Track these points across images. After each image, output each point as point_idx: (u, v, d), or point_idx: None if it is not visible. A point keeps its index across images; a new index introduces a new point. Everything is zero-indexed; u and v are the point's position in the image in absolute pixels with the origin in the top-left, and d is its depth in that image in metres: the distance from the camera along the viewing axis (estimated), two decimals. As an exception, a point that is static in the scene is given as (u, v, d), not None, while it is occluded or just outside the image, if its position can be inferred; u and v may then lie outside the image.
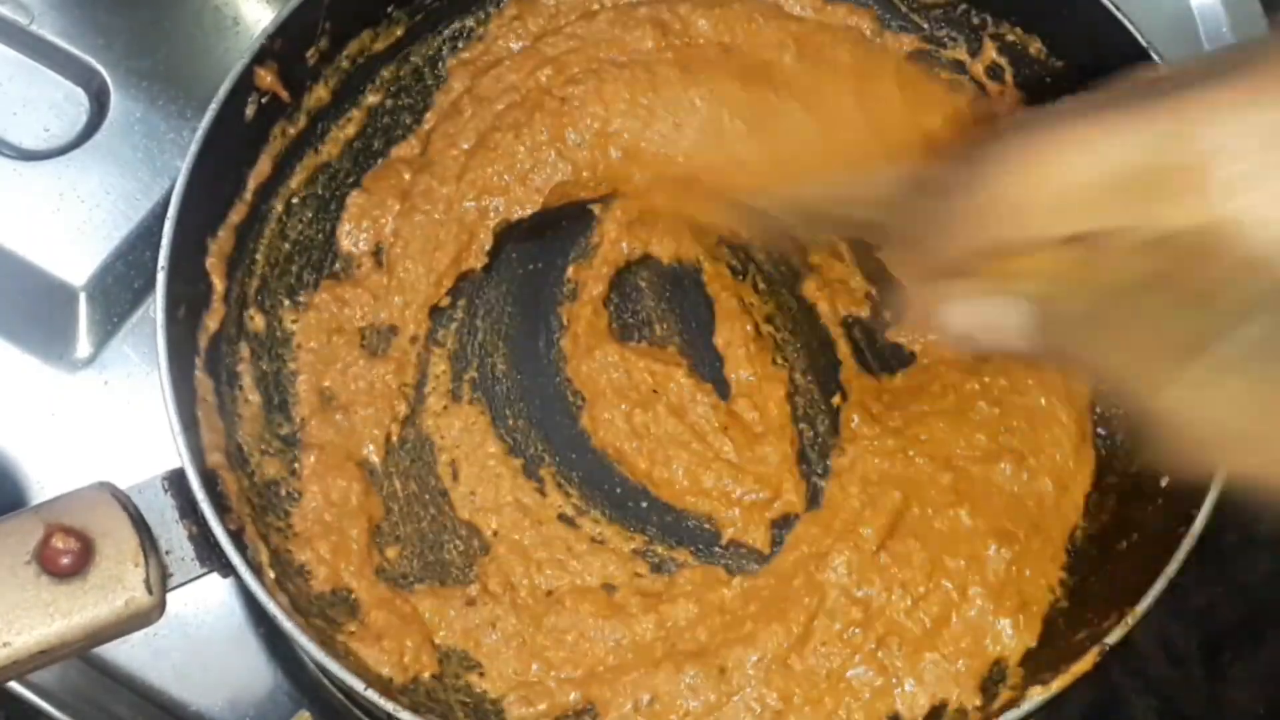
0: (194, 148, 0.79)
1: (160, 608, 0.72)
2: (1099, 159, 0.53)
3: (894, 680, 0.81)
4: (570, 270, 0.91)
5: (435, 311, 0.89)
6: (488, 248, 0.90)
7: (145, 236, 0.97)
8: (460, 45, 0.94)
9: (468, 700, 0.81)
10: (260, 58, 0.83)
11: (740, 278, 0.92)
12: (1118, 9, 0.86)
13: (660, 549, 0.86)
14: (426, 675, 0.80)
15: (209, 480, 0.75)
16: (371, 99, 0.92)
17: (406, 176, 0.91)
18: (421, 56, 0.94)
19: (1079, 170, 0.53)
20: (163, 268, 0.77)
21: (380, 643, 0.79)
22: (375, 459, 0.86)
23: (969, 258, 0.59)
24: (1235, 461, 0.55)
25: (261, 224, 0.87)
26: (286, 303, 0.87)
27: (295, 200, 0.89)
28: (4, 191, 0.98)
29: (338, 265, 0.90)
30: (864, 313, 0.91)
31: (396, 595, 0.82)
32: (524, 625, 0.82)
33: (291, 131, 0.88)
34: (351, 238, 0.89)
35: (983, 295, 0.60)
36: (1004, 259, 0.57)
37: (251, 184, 0.86)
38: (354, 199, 0.90)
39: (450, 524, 0.86)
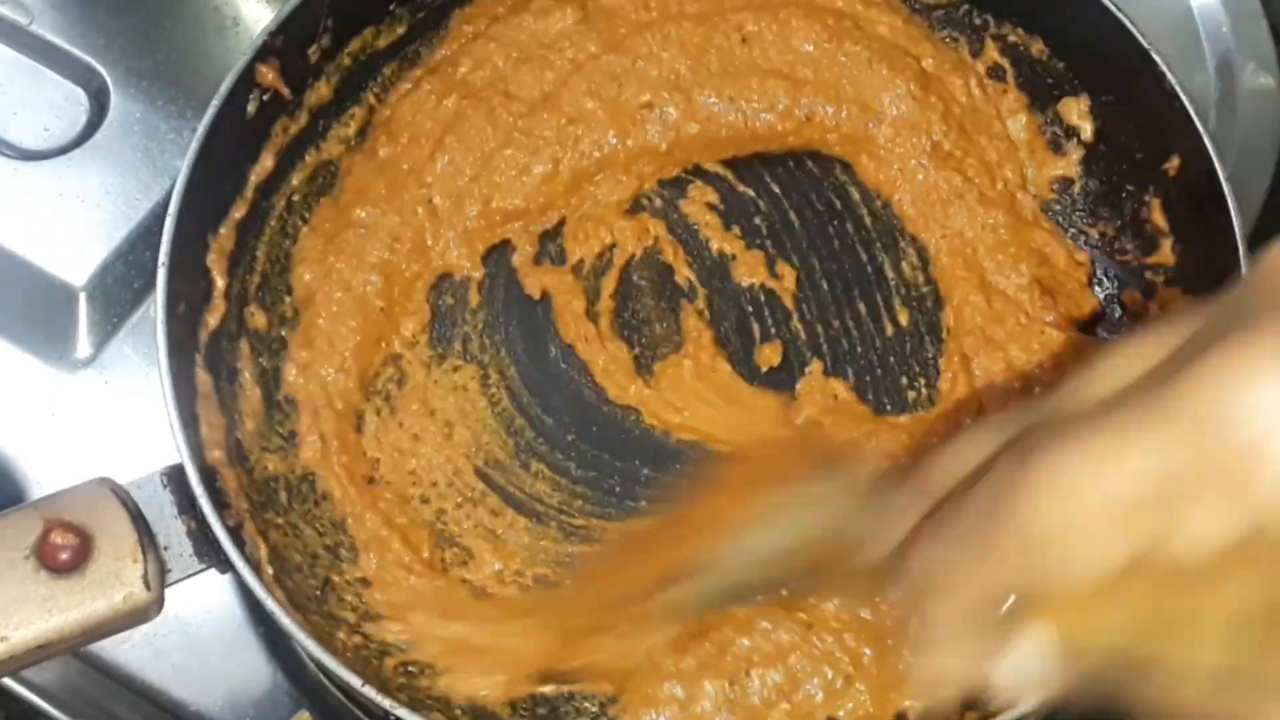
0: (195, 143, 0.79)
1: (159, 604, 0.72)
2: (1131, 467, 0.47)
3: None
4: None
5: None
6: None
7: (145, 236, 0.98)
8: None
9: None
10: (262, 54, 0.83)
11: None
12: (1119, 10, 0.86)
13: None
14: None
15: (208, 476, 0.75)
16: (373, 96, 0.92)
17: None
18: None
19: (1114, 483, 0.47)
20: (163, 264, 0.77)
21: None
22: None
23: (995, 605, 0.52)
24: None
25: (263, 221, 0.87)
26: (287, 299, 0.87)
27: (297, 198, 0.89)
28: (4, 191, 0.98)
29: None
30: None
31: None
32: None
33: (293, 129, 0.88)
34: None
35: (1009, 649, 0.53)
36: (1053, 601, 0.51)
37: (253, 181, 0.86)
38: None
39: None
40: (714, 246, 0.92)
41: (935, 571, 0.54)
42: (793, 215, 0.93)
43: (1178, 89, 0.84)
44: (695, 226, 0.92)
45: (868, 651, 0.81)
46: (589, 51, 0.92)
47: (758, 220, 0.93)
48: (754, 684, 0.81)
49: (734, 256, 0.92)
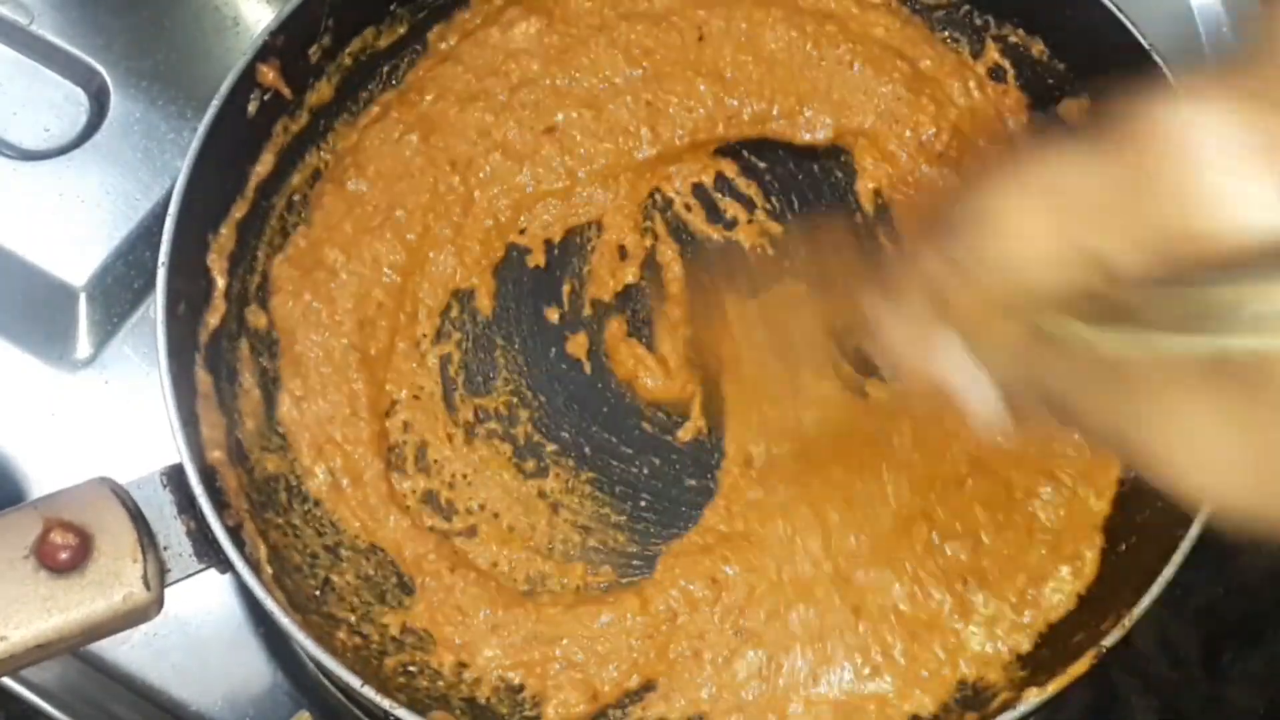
0: (196, 143, 0.79)
1: (158, 603, 0.72)
2: (1067, 177, 0.50)
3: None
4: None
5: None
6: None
7: (145, 236, 0.97)
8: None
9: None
10: (263, 54, 0.83)
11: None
12: (1119, 10, 0.86)
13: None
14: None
15: (208, 476, 0.75)
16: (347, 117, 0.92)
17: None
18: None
19: (1047, 191, 0.51)
20: (163, 264, 0.77)
21: None
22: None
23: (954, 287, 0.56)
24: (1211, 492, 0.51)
25: (263, 221, 0.87)
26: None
27: (297, 197, 0.89)
28: (4, 191, 0.98)
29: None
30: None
31: None
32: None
33: (294, 128, 0.88)
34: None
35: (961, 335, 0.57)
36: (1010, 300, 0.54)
37: (253, 180, 0.86)
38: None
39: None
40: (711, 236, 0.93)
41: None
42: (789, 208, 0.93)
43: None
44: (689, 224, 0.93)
45: (899, 645, 0.82)
46: (552, 75, 0.93)
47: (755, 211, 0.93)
48: (792, 662, 0.82)
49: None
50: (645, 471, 0.87)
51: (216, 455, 0.79)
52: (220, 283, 0.83)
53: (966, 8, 0.95)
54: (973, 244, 0.53)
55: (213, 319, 0.83)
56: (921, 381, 0.59)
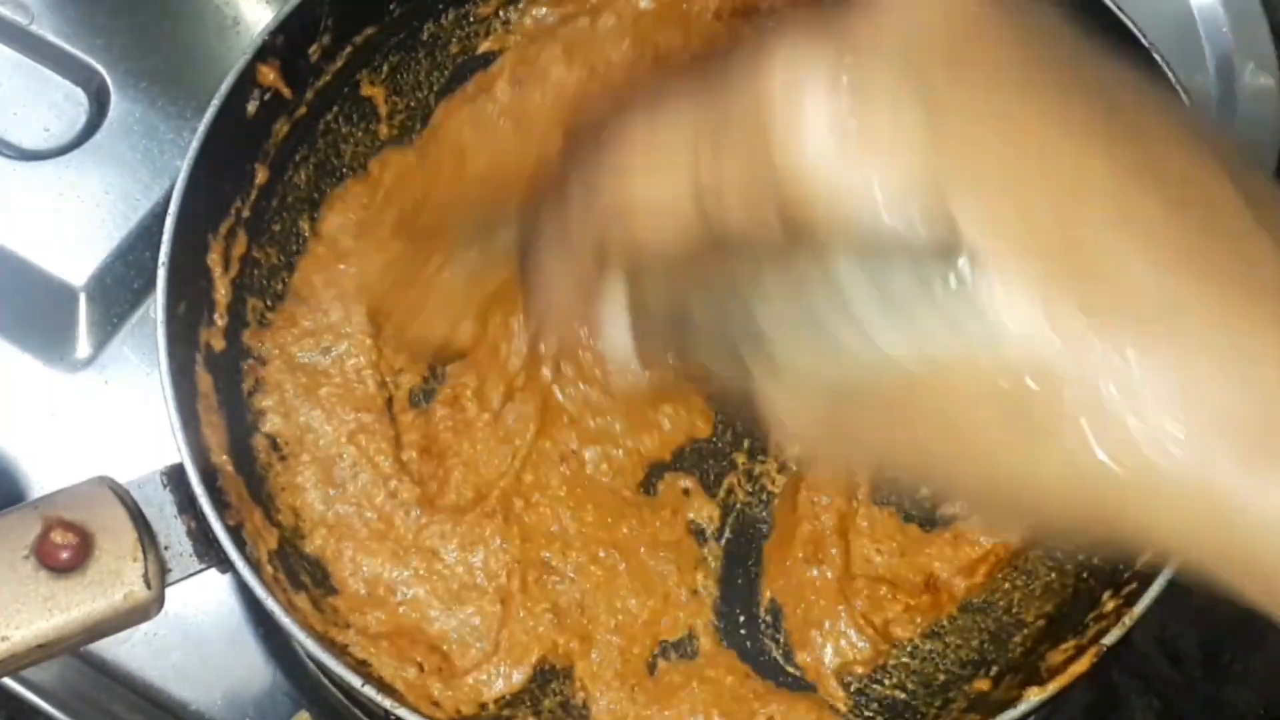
0: (196, 143, 0.79)
1: (159, 603, 0.72)
2: (680, 117, 0.52)
3: None
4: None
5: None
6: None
7: (145, 236, 0.97)
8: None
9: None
10: (263, 54, 0.83)
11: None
12: (1119, 9, 0.86)
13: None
14: None
15: (208, 475, 0.75)
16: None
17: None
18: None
19: (664, 129, 0.53)
20: (163, 264, 0.77)
21: None
22: None
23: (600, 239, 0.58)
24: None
25: (263, 221, 0.87)
26: (287, 300, 0.88)
27: (297, 197, 0.89)
28: (4, 191, 0.98)
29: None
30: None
31: None
32: None
33: (294, 128, 0.88)
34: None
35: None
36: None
37: (254, 180, 0.86)
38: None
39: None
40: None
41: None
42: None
43: (1179, 88, 0.84)
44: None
45: None
46: None
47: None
48: None
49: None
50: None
51: (217, 455, 0.79)
52: (220, 283, 0.83)
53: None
54: (601, 179, 0.55)
55: (213, 319, 0.83)
56: (565, 316, 0.62)
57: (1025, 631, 0.84)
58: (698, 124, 0.51)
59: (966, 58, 0.47)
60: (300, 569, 0.81)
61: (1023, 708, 0.74)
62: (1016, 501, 0.49)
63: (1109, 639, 0.74)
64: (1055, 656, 0.78)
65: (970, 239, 0.45)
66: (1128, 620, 0.74)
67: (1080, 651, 0.75)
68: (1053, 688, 0.74)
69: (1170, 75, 0.84)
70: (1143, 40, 0.85)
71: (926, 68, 0.46)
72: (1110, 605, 0.78)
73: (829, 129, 0.46)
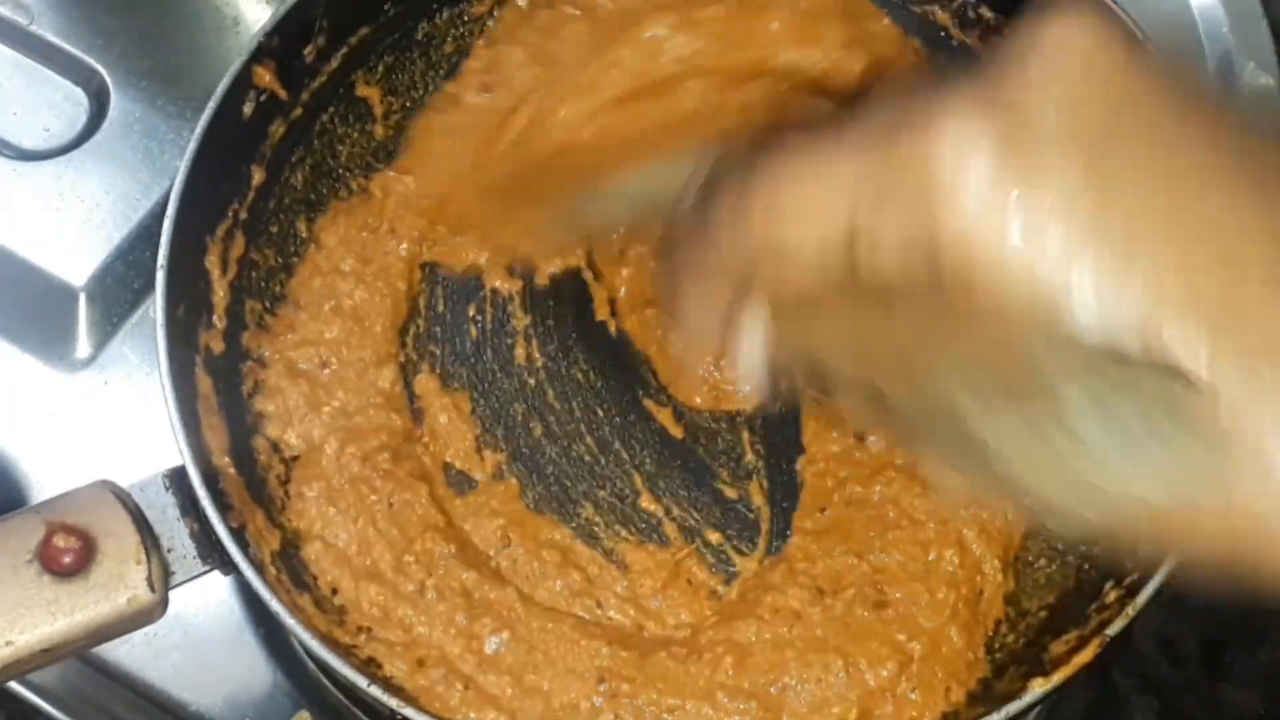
0: (192, 145, 0.79)
1: (162, 605, 0.72)
2: (837, 174, 0.52)
3: None
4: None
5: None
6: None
7: (145, 236, 0.97)
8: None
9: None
10: (258, 55, 0.83)
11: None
12: (1119, 9, 0.86)
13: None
14: None
15: (210, 478, 0.75)
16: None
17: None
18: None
19: (819, 186, 0.53)
20: (162, 265, 0.77)
21: None
22: None
23: (743, 265, 0.58)
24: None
25: (262, 222, 0.87)
26: (286, 302, 0.88)
27: (293, 198, 0.89)
28: (4, 191, 0.98)
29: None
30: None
31: None
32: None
33: (290, 128, 0.88)
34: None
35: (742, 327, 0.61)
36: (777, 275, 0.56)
37: (251, 181, 0.86)
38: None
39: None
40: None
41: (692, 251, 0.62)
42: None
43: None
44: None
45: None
46: None
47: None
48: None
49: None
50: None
51: (218, 457, 0.79)
52: (220, 283, 0.83)
53: (961, 1, 0.95)
54: (753, 215, 0.55)
55: (212, 320, 0.83)
56: (707, 338, 0.62)
57: (1027, 622, 0.84)
58: (858, 171, 0.51)
59: (1125, 123, 0.48)
60: (302, 569, 0.81)
61: (1027, 699, 0.74)
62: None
63: (1112, 629, 0.74)
64: (1058, 647, 0.78)
65: (1187, 364, 0.45)
66: (1130, 610, 0.74)
67: (1083, 642, 0.75)
68: (1057, 678, 0.74)
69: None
70: (1143, 40, 0.85)
71: (1090, 140, 0.47)
72: (1113, 596, 0.78)
73: (999, 202, 0.47)
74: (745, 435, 0.88)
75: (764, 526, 0.86)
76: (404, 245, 0.88)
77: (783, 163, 0.54)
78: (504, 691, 0.80)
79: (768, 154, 0.55)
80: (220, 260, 0.84)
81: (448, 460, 0.87)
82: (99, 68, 1.01)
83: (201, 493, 0.73)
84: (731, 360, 0.62)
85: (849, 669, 0.81)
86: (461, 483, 0.86)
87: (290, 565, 0.80)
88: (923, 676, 0.81)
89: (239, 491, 0.79)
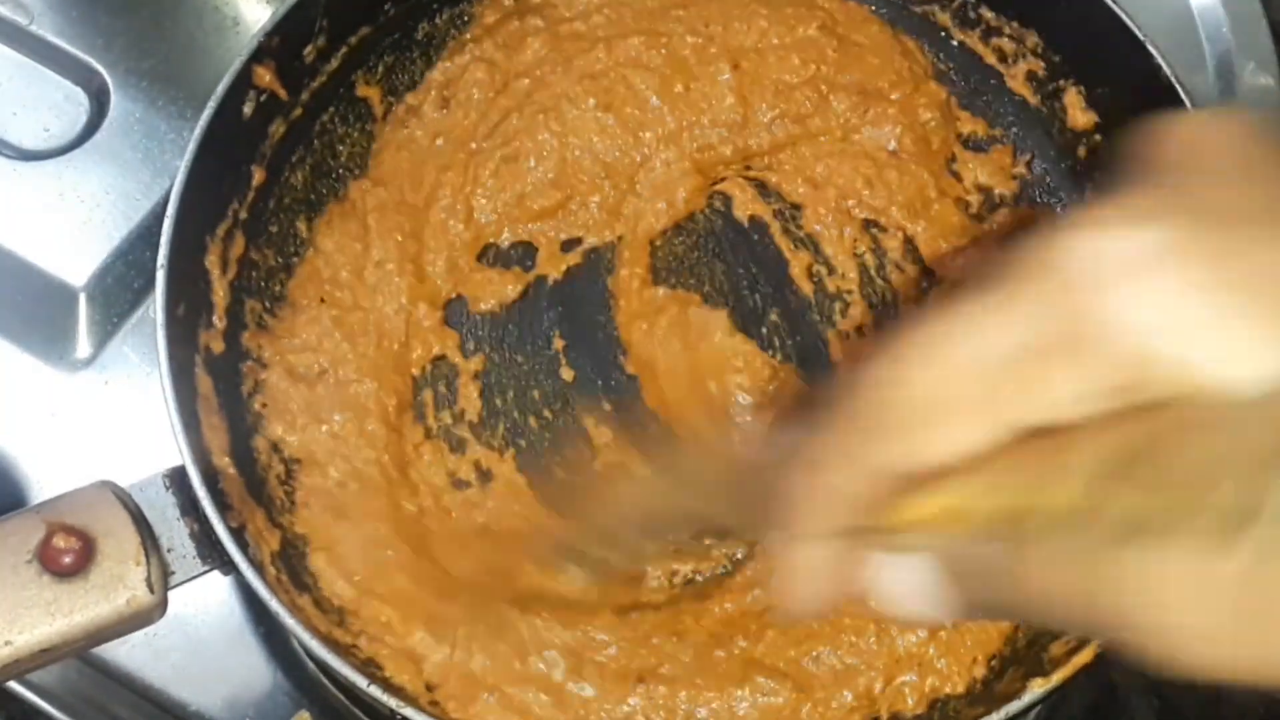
0: (192, 145, 0.79)
1: (162, 606, 0.72)
2: (988, 333, 0.45)
3: None
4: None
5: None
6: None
7: (145, 236, 0.97)
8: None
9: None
10: (258, 56, 0.83)
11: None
12: (1119, 9, 0.86)
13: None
14: None
15: (210, 478, 0.75)
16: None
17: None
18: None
19: (969, 349, 0.45)
20: (162, 265, 0.77)
21: None
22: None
23: (871, 485, 0.48)
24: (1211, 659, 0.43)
25: (262, 222, 0.87)
26: (285, 305, 0.88)
27: (293, 198, 0.89)
28: (4, 191, 0.98)
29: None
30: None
31: None
32: None
33: (290, 128, 0.88)
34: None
35: (889, 546, 0.49)
36: (909, 496, 0.47)
37: (251, 181, 0.86)
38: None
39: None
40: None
41: (807, 459, 0.50)
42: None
43: (1177, 85, 0.84)
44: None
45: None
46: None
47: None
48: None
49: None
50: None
51: (218, 457, 0.79)
52: (219, 283, 0.83)
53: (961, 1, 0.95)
54: (881, 435, 0.47)
55: (212, 320, 0.83)
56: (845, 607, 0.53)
57: (1028, 622, 0.83)
58: (999, 333, 0.44)
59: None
60: (303, 569, 0.81)
61: (1027, 699, 0.74)
62: None
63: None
64: (1058, 648, 0.78)
65: None
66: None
67: (1083, 643, 0.75)
68: (1056, 678, 0.74)
69: (1170, 75, 0.84)
70: (1143, 40, 0.85)
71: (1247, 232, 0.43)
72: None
73: (1183, 301, 0.42)
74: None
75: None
76: (390, 266, 0.89)
77: (911, 328, 0.46)
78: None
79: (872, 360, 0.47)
80: (220, 260, 0.84)
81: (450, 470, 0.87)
82: (99, 68, 1.01)
83: (201, 493, 0.73)
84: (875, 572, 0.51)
85: (880, 634, 0.81)
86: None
87: (290, 565, 0.80)
88: (951, 643, 0.81)
89: (239, 491, 0.79)
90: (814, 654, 0.81)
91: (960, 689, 0.81)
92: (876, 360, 0.47)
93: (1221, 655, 0.42)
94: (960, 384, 0.45)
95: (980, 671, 0.82)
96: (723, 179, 0.93)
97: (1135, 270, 0.42)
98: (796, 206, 0.93)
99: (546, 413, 0.89)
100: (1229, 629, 0.41)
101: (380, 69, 0.93)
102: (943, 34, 0.96)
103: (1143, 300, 0.42)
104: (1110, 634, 0.43)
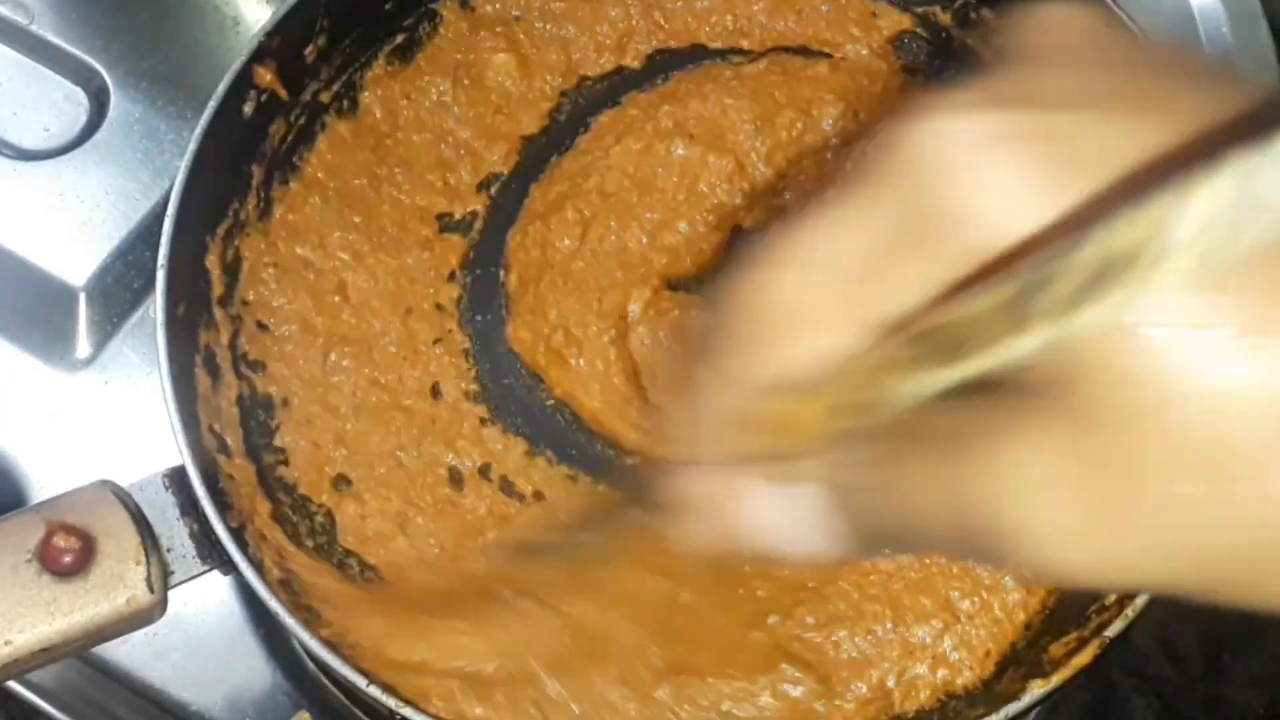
0: (193, 145, 0.79)
1: (162, 605, 0.72)
2: (840, 229, 0.43)
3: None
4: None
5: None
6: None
7: (145, 236, 0.97)
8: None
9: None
10: (258, 56, 0.83)
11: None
12: (1119, 8, 0.86)
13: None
14: None
15: (210, 477, 0.75)
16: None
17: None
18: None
19: (820, 254, 0.43)
20: (162, 265, 0.77)
21: None
22: None
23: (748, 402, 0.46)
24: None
25: (262, 221, 0.87)
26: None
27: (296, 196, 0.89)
28: (4, 191, 0.98)
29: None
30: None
31: None
32: None
33: (291, 128, 0.88)
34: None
35: (774, 476, 0.47)
36: (793, 402, 0.45)
37: (252, 181, 0.86)
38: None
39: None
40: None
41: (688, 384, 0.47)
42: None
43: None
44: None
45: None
46: None
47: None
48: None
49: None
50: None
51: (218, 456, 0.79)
52: (219, 284, 0.84)
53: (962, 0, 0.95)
54: (748, 349, 0.45)
55: (212, 320, 0.83)
56: (730, 544, 0.48)
57: (1028, 623, 0.84)
58: (855, 232, 0.42)
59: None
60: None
61: (1027, 700, 0.74)
62: None
63: (1111, 631, 0.74)
64: (1057, 649, 0.78)
65: None
66: (1130, 612, 0.74)
67: (1082, 644, 0.75)
68: (1056, 680, 0.74)
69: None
70: (1139, 34, 0.85)
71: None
72: (1112, 597, 0.78)
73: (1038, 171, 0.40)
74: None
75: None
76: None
77: (757, 267, 0.44)
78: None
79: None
80: (220, 260, 0.84)
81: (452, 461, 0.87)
82: (99, 68, 1.01)
83: (201, 492, 0.73)
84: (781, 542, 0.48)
85: (896, 621, 0.82)
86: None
87: (290, 565, 0.80)
88: (965, 636, 0.82)
89: (244, 477, 0.80)
90: (834, 637, 0.81)
91: (973, 681, 0.81)
92: (746, 270, 0.45)
93: (1084, 556, 0.39)
94: (819, 287, 0.43)
95: (991, 667, 0.82)
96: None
97: (971, 156, 0.40)
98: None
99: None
100: (1083, 523, 0.39)
101: (381, 68, 0.92)
102: (943, 34, 0.96)
103: (976, 186, 0.40)
104: (986, 555, 0.42)
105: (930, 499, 0.43)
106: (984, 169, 0.40)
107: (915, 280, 0.41)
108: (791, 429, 0.45)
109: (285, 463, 0.84)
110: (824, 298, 0.43)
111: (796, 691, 0.80)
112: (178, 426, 0.75)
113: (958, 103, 0.41)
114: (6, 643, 0.68)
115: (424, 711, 0.73)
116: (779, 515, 0.47)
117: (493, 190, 0.92)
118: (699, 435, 0.48)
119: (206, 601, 0.92)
